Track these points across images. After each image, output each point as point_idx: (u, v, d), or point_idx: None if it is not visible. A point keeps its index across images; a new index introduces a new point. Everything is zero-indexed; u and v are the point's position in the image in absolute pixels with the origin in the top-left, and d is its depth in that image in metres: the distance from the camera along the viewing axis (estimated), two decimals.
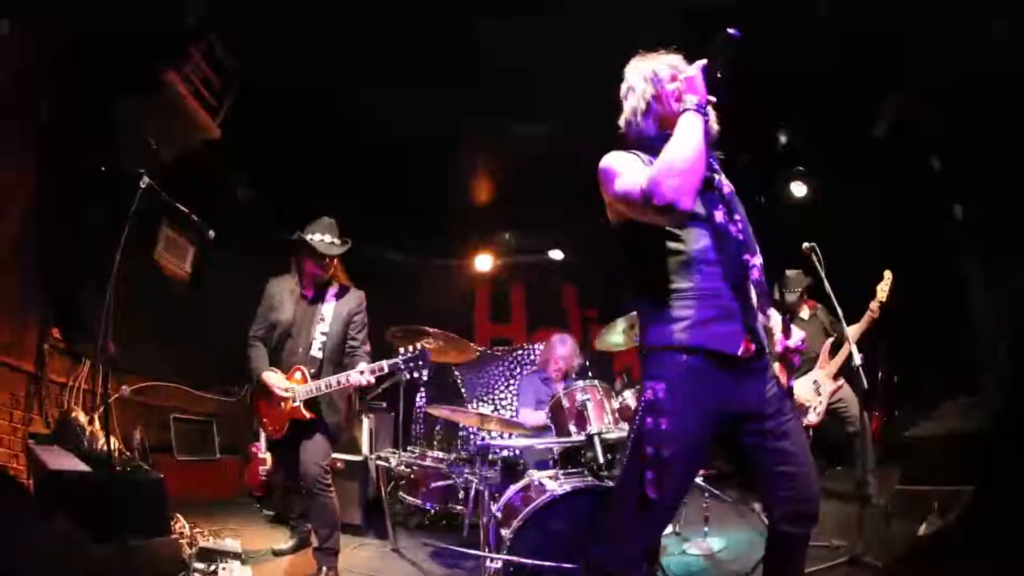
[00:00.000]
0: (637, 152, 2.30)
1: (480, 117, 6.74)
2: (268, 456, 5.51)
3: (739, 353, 2.12)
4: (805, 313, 5.71)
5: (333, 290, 4.26)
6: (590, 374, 6.12)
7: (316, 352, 4.12)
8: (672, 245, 2.19)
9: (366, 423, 6.10)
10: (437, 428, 6.61)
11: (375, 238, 7.80)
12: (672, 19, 5.11)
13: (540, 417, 5.23)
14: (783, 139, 7.00)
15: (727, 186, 2.38)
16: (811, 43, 5.57)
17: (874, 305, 4.94)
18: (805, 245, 4.24)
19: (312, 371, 4.04)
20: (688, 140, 2.06)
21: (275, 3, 5.37)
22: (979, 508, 2.96)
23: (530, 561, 3.45)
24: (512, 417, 6.18)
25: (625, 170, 2.20)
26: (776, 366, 2.28)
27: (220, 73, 5.40)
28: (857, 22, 5.37)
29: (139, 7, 4.68)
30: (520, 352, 9.11)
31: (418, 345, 3.95)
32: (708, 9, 5.04)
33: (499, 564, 3.59)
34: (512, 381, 8.83)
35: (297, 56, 5.86)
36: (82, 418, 4.41)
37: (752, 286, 2.23)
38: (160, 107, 5.02)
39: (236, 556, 4.05)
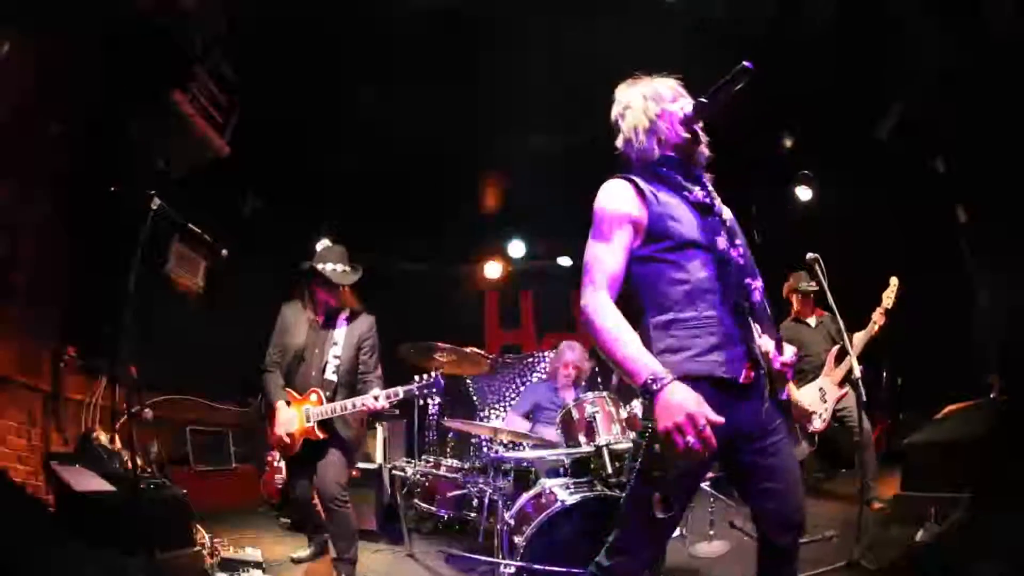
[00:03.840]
0: (636, 179, 2.30)
1: (490, 126, 6.81)
2: (283, 465, 5.59)
3: (741, 379, 2.16)
4: (813, 320, 5.74)
5: (344, 314, 4.32)
6: (599, 380, 6.19)
7: (330, 375, 4.20)
8: (676, 275, 2.22)
9: (380, 431, 6.19)
10: (450, 436, 6.68)
11: (386, 247, 7.88)
12: (680, 35, 5.18)
13: (523, 425, 5.35)
14: (788, 143, 7.03)
15: (727, 211, 2.40)
16: (816, 47, 5.62)
17: (880, 311, 4.98)
18: (808, 256, 4.28)
19: (327, 394, 4.12)
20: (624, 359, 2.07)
21: (281, 21, 5.45)
22: (977, 514, 3.01)
23: (543, 567, 3.54)
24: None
25: (606, 237, 2.24)
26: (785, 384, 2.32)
27: (226, 91, 5.48)
28: (862, 25, 5.42)
29: (145, 29, 4.77)
30: (531, 359, 9.14)
31: (432, 373, 4.03)
32: (717, 22, 5.13)
33: (512, 570, 3.68)
34: (523, 389, 8.87)
35: (304, 69, 5.94)
36: (103, 437, 4.49)
37: (753, 308, 2.27)
38: (168, 127, 5.10)
39: (257, 565, 4.16)
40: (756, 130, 6.10)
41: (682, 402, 1.91)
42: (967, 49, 5.11)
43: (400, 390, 3.98)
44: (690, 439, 1.87)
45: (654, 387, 1.96)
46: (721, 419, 1.92)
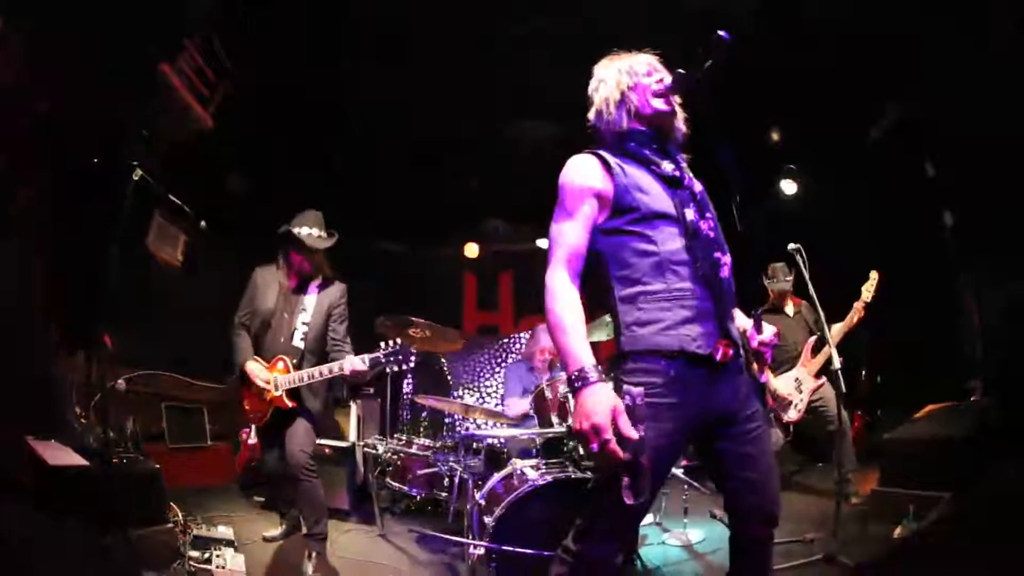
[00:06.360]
0: (602, 152, 2.27)
1: (473, 108, 6.78)
2: (257, 442, 5.57)
3: (716, 357, 2.10)
4: (790, 309, 5.73)
5: (316, 282, 4.32)
6: None
7: (298, 342, 4.20)
8: (643, 246, 2.17)
9: (353, 409, 6.17)
10: (423, 415, 6.63)
11: (364, 226, 7.83)
12: (671, 20, 5.15)
13: (526, 405, 5.33)
14: (774, 136, 7.04)
15: (697, 184, 2.35)
16: (803, 41, 5.62)
17: (859, 305, 4.98)
18: (791, 246, 4.28)
19: (294, 361, 4.13)
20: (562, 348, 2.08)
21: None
22: (955, 511, 3.02)
23: (512, 548, 3.54)
24: (498, 405, 6.26)
25: (570, 212, 2.22)
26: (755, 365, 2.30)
27: (214, 66, 5.42)
28: (849, 20, 5.42)
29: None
30: (507, 340, 9.13)
31: (398, 340, 4.03)
32: (705, 8, 5.10)
33: (482, 550, 3.67)
34: (498, 369, 8.90)
35: (289, 46, 5.89)
36: (78, 411, 4.45)
37: (720, 285, 2.20)
38: (153, 99, 5.04)
39: (229, 543, 4.11)
40: (743, 121, 6.10)
41: (593, 410, 1.91)
42: (962, 50, 5.12)
43: (367, 357, 3.96)
44: (593, 447, 1.89)
45: (576, 384, 1.96)
46: (636, 435, 1.91)
